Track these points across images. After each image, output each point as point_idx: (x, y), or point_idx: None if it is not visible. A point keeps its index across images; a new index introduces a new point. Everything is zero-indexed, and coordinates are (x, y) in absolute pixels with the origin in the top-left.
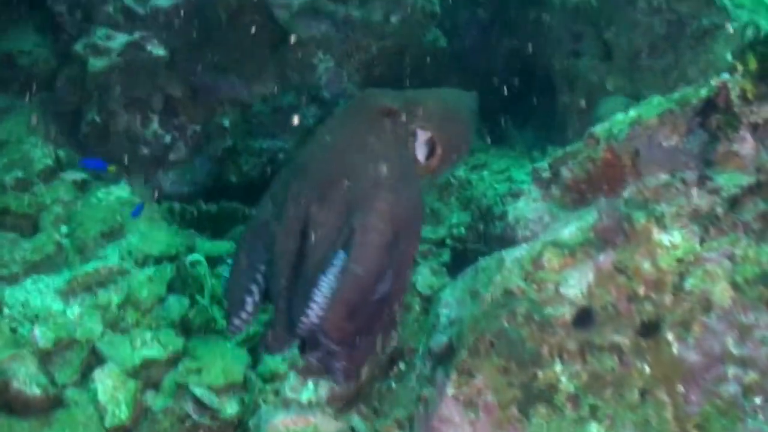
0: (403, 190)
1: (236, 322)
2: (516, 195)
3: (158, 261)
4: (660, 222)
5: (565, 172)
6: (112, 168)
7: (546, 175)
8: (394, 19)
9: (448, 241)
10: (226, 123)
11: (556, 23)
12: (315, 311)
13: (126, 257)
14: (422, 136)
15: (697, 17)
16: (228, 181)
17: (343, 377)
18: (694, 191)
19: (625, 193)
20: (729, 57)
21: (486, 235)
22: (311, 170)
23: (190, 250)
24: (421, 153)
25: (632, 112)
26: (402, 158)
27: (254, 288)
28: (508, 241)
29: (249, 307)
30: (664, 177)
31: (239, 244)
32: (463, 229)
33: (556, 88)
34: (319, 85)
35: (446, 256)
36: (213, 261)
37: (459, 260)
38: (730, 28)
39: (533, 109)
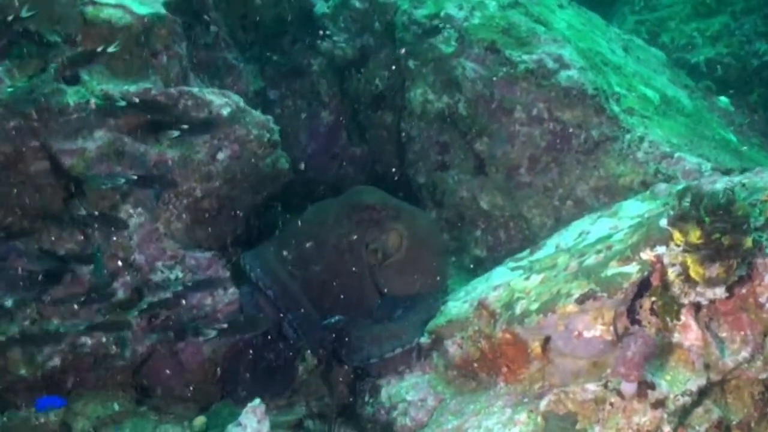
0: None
1: None
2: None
3: None
4: None
5: (453, 349)
6: None
7: (425, 340)
8: (222, 156)
9: (308, 423)
10: (10, 302)
11: (417, 130)
12: None
13: None
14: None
15: (585, 128)
16: (18, 377)
17: None
18: (635, 406)
19: (543, 403)
20: (663, 223)
21: (355, 413)
22: (286, 245)
23: None
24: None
25: (534, 280)
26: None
27: None
28: (381, 427)
29: None
30: (593, 388)
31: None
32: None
33: (421, 203)
34: (130, 245)
35: None
36: None
37: None
38: (624, 141)
39: None
